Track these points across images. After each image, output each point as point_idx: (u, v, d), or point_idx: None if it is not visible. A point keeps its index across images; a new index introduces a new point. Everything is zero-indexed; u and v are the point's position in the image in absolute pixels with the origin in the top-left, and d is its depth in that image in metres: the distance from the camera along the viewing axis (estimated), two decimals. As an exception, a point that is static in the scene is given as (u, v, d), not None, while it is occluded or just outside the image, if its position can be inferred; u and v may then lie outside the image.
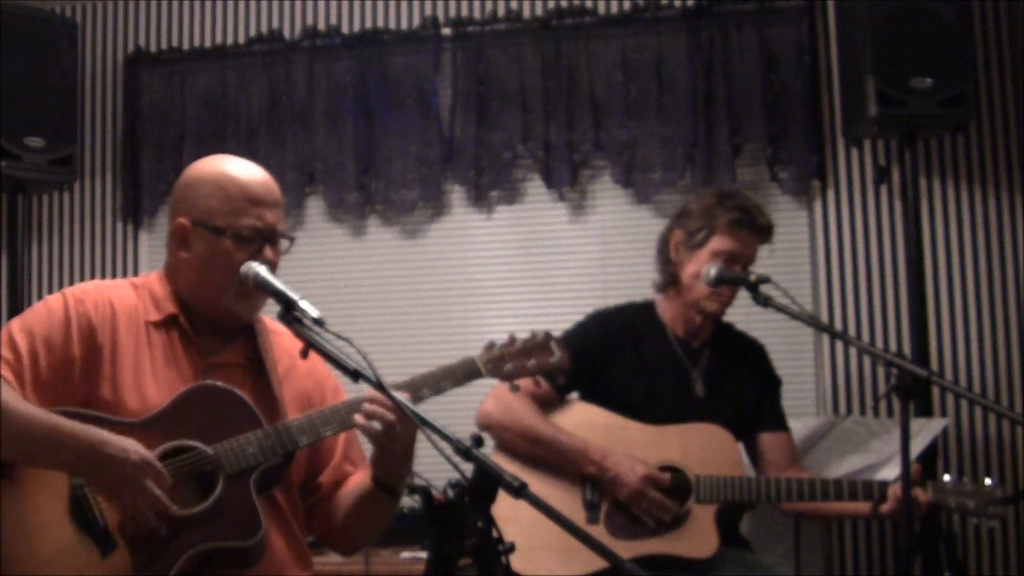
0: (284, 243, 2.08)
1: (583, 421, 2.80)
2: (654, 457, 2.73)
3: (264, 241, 2.02)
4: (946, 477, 2.69)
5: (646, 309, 2.96)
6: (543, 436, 2.75)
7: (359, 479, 2.14)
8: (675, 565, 2.66)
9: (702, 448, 2.75)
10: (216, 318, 2.07)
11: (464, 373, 2.09)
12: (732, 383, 2.92)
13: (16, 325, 1.99)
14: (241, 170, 2.07)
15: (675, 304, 2.91)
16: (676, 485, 2.72)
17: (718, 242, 2.79)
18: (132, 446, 1.85)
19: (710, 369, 2.91)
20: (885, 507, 2.63)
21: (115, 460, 1.83)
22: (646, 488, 2.66)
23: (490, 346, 2.13)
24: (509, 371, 2.12)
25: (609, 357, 2.83)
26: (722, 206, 2.81)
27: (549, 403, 2.83)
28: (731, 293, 2.83)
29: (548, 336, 2.17)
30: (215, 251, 2.01)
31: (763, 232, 2.85)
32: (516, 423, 2.75)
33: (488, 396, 2.81)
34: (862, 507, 2.71)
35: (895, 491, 2.62)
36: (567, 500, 2.72)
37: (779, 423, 2.96)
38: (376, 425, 1.90)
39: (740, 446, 2.84)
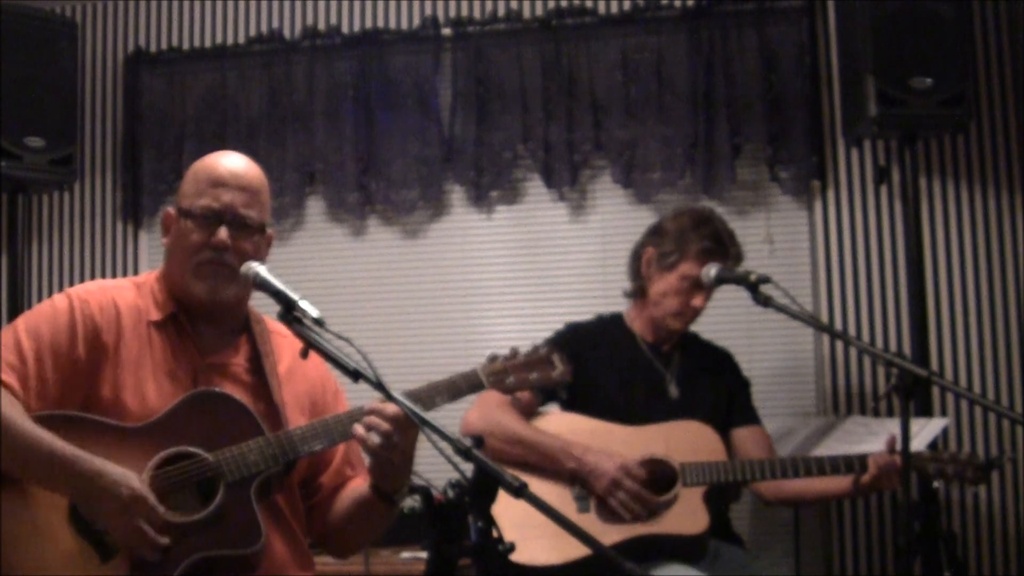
0: (257, 235, 2.05)
1: (566, 428, 2.83)
2: (639, 453, 2.76)
3: (220, 222, 2.01)
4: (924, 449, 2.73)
5: (614, 320, 3.05)
6: (525, 438, 2.79)
7: (358, 484, 2.14)
8: (668, 543, 2.69)
9: (685, 442, 2.79)
10: (195, 307, 2.06)
11: (467, 386, 2.10)
12: (704, 383, 2.98)
13: (21, 327, 1.99)
14: (219, 157, 2.09)
15: (644, 313, 2.99)
16: (662, 476, 2.75)
17: (688, 267, 2.86)
18: (125, 480, 1.83)
19: (682, 371, 2.97)
20: (867, 477, 2.67)
21: (107, 494, 1.82)
22: (621, 477, 2.69)
23: (493, 359, 2.14)
24: (511, 384, 2.13)
25: (584, 366, 2.85)
26: (696, 232, 2.88)
27: (531, 412, 2.88)
28: (696, 312, 2.91)
29: (551, 349, 2.19)
30: (178, 232, 2.05)
31: (734, 260, 2.93)
32: (498, 428, 2.79)
33: (471, 408, 2.85)
34: (844, 483, 2.74)
35: (876, 460, 2.66)
36: (557, 494, 2.75)
37: (751, 418, 3.01)
38: (374, 437, 1.90)
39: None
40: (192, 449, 1.93)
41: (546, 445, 2.77)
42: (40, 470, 1.86)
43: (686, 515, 2.71)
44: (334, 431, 2.00)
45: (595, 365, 2.89)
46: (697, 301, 2.87)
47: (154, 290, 2.09)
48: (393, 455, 1.93)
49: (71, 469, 1.83)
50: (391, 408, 1.88)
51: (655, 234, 2.98)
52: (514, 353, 2.15)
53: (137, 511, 1.83)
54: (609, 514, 2.73)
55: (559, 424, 2.85)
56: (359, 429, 1.92)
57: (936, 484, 2.74)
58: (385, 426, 1.89)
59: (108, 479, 1.83)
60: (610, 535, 2.67)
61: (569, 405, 2.90)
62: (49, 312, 2.01)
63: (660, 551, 2.67)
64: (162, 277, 2.11)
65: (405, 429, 1.89)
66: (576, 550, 2.61)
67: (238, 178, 2.05)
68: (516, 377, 2.13)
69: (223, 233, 2.00)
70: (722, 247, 2.88)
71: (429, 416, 1.61)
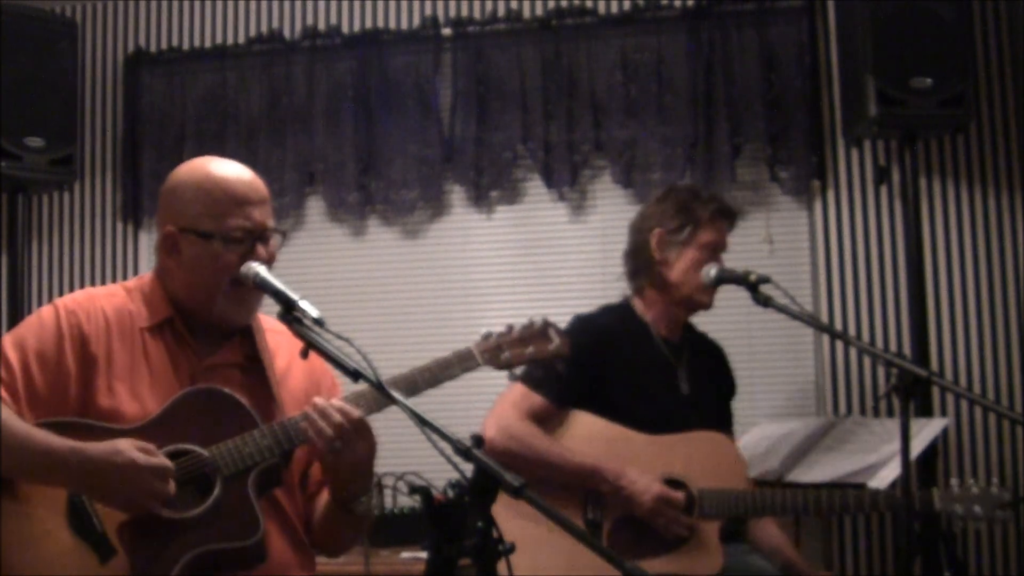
0: (276, 238, 2.05)
1: (584, 434, 2.74)
2: (657, 469, 2.68)
3: (255, 240, 2.00)
4: (953, 481, 2.65)
5: (625, 309, 2.93)
6: (552, 459, 2.68)
7: None
8: None
9: (705, 459, 2.71)
10: (211, 321, 2.05)
11: (461, 364, 2.05)
12: (708, 379, 2.94)
13: (9, 341, 1.98)
14: (223, 171, 2.04)
15: (658, 303, 2.89)
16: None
17: (706, 235, 2.82)
18: (113, 450, 1.82)
19: (691, 366, 2.91)
20: None
21: (103, 470, 1.81)
22: (660, 508, 2.63)
23: (487, 336, 2.09)
24: (506, 359, 2.08)
25: (598, 361, 2.79)
26: (698, 200, 2.86)
27: (548, 418, 2.76)
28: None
29: (546, 323, 2.14)
30: (205, 255, 1.99)
31: (735, 219, 2.92)
32: (523, 448, 2.67)
33: (487, 423, 2.73)
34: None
35: None
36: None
37: (730, 424, 2.98)
38: (316, 439, 1.88)
39: (741, 452, 2.83)
40: (188, 446, 1.93)
41: (576, 466, 2.67)
42: (37, 470, 1.86)
43: (701, 554, 2.64)
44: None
45: (608, 360, 2.80)
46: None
47: (147, 295, 2.07)
48: (339, 462, 1.91)
49: (65, 461, 1.82)
50: (336, 416, 1.87)
51: (648, 219, 2.89)
52: (509, 329, 2.11)
53: (140, 476, 1.81)
54: (621, 548, 2.64)
55: (576, 430, 2.75)
56: (302, 424, 1.90)
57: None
58: (328, 431, 1.87)
59: (99, 457, 1.81)
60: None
61: (582, 402, 2.81)
62: (35, 324, 2.00)
63: None
64: (157, 281, 2.09)
65: (351, 440, 1.87)
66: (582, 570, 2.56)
67: (257, 190, 2.03)
68: (512, 352, 2.08)
69: (263, 251, 1.99)
70: (725, 206, 2.87)
71: (429, 416, 1.61)
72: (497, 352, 2.08)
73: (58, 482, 1.87)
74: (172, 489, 1.85)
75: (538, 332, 2.12)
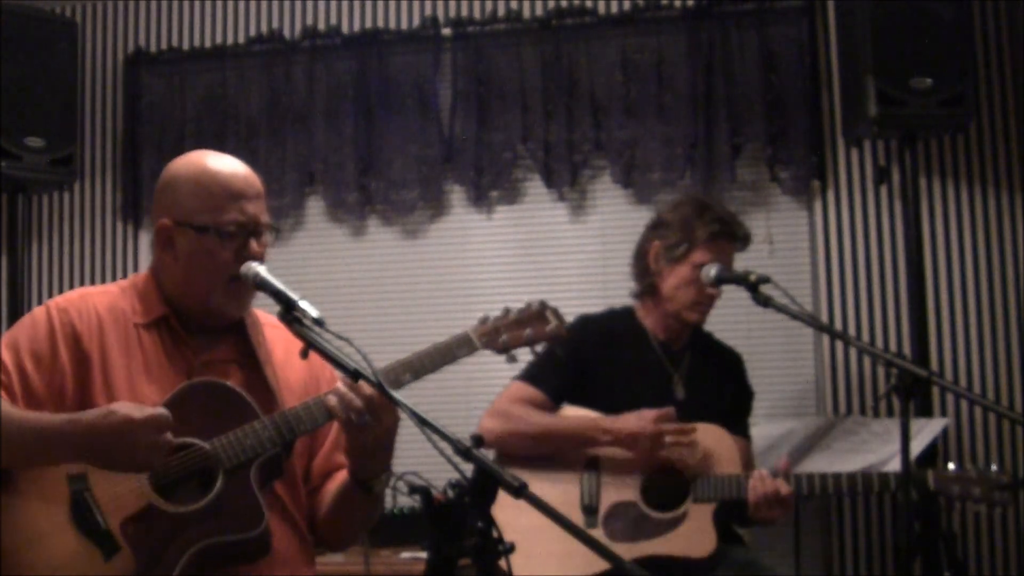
0: (268, 234, 2.05)
1: None
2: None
3: (248, 235, 2.00)
4: (950, 465, 2.67)
5: (627, 314, 2.99)
6: (550, 428, 2.77)
7: (345, 473, 2.12)
8: (674, 566, 2.65)
9: (701, 448, 2.75)
10: (206, 316, 2.05)
11: (460, 348, 2.06)
12: (711, 387, 2.94)
13: (3, 342, 1.98)
14: (219, 165, 2.04)
15: (655, 311, 2.94)
16: (674, 486, 2.72)
17: (699, 255, 2.82)
18: (107, 410, 1.81)
19: (691, 372, 2.93)
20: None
21: (100, 432, 1.80)
22: (664, 425, 2.69)
23: (484, 319, 2.10)
24: (504, 342, 2.08)
25: (594, 361, 2.85)
26: (701, 218, 2.84)
27: (544, 411, 2.83)
28: (711, 302, 2.87)
29: (543, 305, 2.13)
30: (200, 249, 1.99)
31: (742, 241, 2.90)
32: (519, 424, 2.77)
33: (484, 415, 2.83)
34: None
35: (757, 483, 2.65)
36: (564, 506, 2.70)
37: (742, 431, 2.97)
38: (342, 412, 1.88)
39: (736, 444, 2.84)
40: (189, 440, 1.93)
41: (573, 427, 2.77)
42: (36, 449, 1.85)
43: (694, 536, 2.67)
44: (327, 408, 1.98)
45: (604, 360, 2.86)
46: (712, 289, 2.81)
47: (140, 292, 2.07)
48: (366, 437, 1.91)
49: (61, 433, 1.82)
50: (367, 389, 1.86)
51: (658, 227, 2.93)
52: (506, 312, 2.12)
53: (137, 430, 1.80)
54: (617, 532, 2.71)
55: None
56: (332, 399, 1.90)
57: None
58: (357, 403, 1.87)
59: (95, 424, 1.80)
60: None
61: (576, 400, 2.87)
62: (28, 324, 2.01)
63: (665, 570, 2.63)
64: (152, 279, 2.09)
65: (378, 414, 1.87)
66: (583, 567, 2.58)
67: (252, 185, 2.04)
68: (509, 335, 2.08)
69: (256, 246, 1.99)
70: (729, 228, 2.85)
71: (429, 415, 1.60)
72: (495, 335, 2.08)
73: (59, 456, 1.86)
74: (170, 439, 1.83)
75: (535, 314, 2.12)
